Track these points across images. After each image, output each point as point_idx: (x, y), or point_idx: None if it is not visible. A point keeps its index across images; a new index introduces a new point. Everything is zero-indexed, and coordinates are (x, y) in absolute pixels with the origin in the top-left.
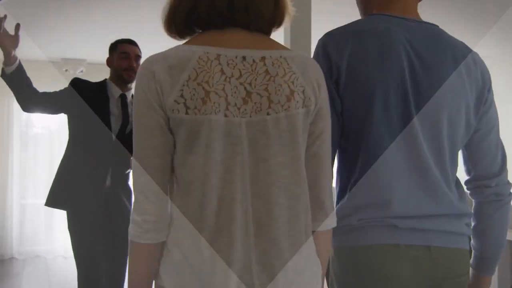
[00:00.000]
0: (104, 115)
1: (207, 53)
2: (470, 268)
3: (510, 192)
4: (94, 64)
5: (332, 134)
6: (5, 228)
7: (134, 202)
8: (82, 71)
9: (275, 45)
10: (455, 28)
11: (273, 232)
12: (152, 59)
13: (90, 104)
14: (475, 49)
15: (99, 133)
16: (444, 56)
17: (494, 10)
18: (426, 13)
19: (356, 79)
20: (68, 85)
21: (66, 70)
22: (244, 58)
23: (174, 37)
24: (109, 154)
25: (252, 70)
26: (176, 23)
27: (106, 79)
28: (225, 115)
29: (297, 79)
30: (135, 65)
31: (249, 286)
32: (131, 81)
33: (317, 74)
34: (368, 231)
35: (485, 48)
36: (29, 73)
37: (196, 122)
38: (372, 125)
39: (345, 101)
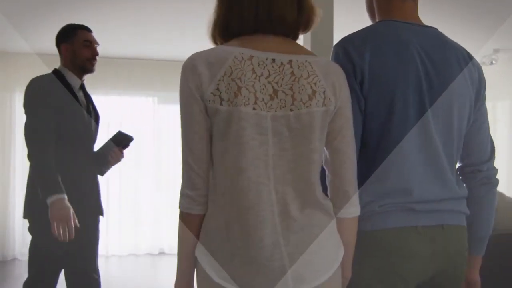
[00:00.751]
0: (80, 107)
1: (242, 53)
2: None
3: (496, 178)
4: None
5: (356, 131)
6: (7, 229)
7: (185, 178)
8: None
9: (302, 50)
10: (469, 21)
11: (291, 211)
12: (195, 56)
13: (66, 98)
14: (492, 39)
15: (83, 127)
16: (449, 57)
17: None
18: (441, 4)
19: (378, 81)
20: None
21: None
22: (273, 60)
23: (215, 44)
24: (93, 145)
25: (279, 71)
26: (216, 37)
27: (56, 69)
28: (254, 108)
29: (319, 81)
30: (97, 54)
31: (279, 258)
32: (93, 71)
33: (339, 76)
34: (389, 215)
35: (507, 40)
36: (31, 68)
37: (229, 112)
38: (394, 123)
39: (369, 101)
